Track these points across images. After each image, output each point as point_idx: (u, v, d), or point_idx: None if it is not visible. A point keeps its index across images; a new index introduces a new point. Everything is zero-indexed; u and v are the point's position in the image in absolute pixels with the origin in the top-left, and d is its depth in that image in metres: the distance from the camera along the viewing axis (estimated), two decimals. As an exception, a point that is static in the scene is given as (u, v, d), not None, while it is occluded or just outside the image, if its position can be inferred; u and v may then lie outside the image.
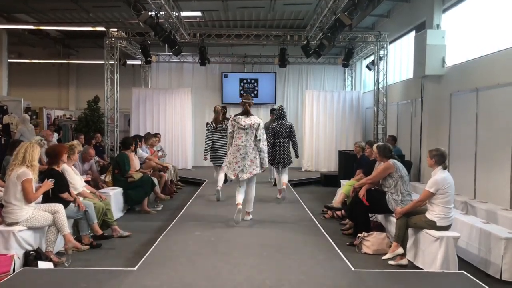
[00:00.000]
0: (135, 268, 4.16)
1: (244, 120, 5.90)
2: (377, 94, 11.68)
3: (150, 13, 8.84)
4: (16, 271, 4.10)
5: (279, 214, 6.71)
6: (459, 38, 8.27)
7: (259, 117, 6.16)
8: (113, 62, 11.75)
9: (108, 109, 11.83)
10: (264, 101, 13.92)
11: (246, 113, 5.98)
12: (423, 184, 7.88)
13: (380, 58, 11.55)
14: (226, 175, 7.78)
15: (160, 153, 9.62)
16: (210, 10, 12.22)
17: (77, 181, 5.72)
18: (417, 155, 9.61)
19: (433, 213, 4.61)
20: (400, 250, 4.78)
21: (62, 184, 5.12)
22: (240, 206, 5.79)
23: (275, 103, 13.68)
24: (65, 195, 5.12)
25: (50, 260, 4.55)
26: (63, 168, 5.42)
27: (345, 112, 13.02)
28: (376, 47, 11.54)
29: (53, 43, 16.68)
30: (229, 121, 6.15)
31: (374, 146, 6.04)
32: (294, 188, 9.34)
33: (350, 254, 4.93)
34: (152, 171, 8.19)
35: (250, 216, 6.22)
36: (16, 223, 4.49)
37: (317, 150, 12.88)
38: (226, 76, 14.18)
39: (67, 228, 4.76)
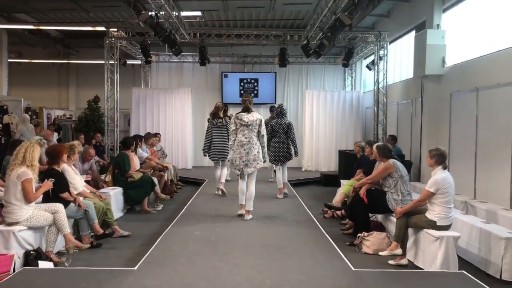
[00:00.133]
0: (135, 268, 4.16)
1: (246, 117, 6.21)
2: (377, 94, 11.68)
3: (150, 13, 8.84)
4: (16, 271, 4.10)
5: (279, 214, 6.72)
6: (459, 38, 8.27)
7: (260, 114, 6.48)
8: (113, 62, 11.75)
9: (108, 109, 11.83)
10: (264, 101, 13.91)
11: (247, 110, 6.28)
12: (423, 184, 7.88)
13: (380, 58, 11.55)
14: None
15: (160, 154, 9.62)
16: (210, 10, 12.21)
17: (77, 181, 5.72)
18: (417, 155, 9.61)
19: (433, 213, 4.61)
20: (399, 251, 4.78)
21: (62, 184, 5.12)
22: (247, 213, 6.23)
23: (275, 103, 13.61)
24: (65, 195, 5.12)
25: (50, 260, 4.56)
26: (63, 168, 5.42)
27: (345, 112, 13.02)
28: (376, 47, 11.54)
29: (53, 43, 16.68)
30: (232, 119, 6.45)
31: (374, 146, 6.04)
32: (294, 188, 9.34)
33: (350, 254, 4.93)
34: (152, 171, 8.19)
35: (250, 216, 6.23)
36: (16, 223, 4.49)
37: (317, 150, 12.88)
38: (226, 76, 14.18)
39: (67, 228, 4.76)
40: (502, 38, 6.77)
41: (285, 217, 6.52)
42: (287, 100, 14.36)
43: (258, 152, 6.22)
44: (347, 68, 14.02)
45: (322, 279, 3.96)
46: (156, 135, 9.80)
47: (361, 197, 5.47)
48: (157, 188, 7.76)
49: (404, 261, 4.78)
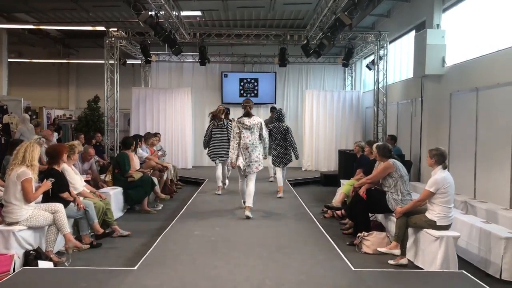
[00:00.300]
0: (135, 268, 4.16)
1: (248, 121, 6.64)
2: (377, 94, 11.68)
3: (150, 13, 8.84)
4: (16, 271, 4.10)
5: (279, 214, 6.72)
6: (459, 38, 8.27)
7: (259, 117, 6.93)
8: (113, 62, 11.75)
9: (108, 109, 11.83)
10: (264, 100, 13.92)
11: (247, 115, 6.70)
12: (423, 183, 7.88)
13: (380, 58, 11.54)
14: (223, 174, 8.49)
15: (160, 153, 9.62)
16: (210, 10, 12.21)
17: (77, 180, 5.72)
18: (417, 155, 9.61)
19: (433, 213, 4.61)
20: (397, 251, 4.77)
21: (62, 183, 5.12)
22: (246, 210, 6.41)
23: (275, 103, 13.72)
24: (65, 195, 5.12)
25: (50, 259, 4.56)
26: (63, 168, 5.42)
27: (345, 112, 13.03)
28: (376, 47, 11.53)
29: (53, 43, 16.67)
30: (234, 123, 6.85)
31: (374, 146, 6.03)
32: (294, 187, 9.34)
33: (350, 253, 4.93)
34: (152, 170, 8.19)
35: (250, 214, 6.32)
36: (16, 223, 4.49)
37: (317, 149, 12.89)
38: (226, 76, 14.18)
39: (67, 228, 4.76)
40: (502, 38, 6.77)
41: (285, 217, 6.52)
42: (287, 100, 14.37)
43: (259, 153, 6.64)
44: (347, 68, 14.02)
45: (322, 279, 3.96)
46: (156, 134, 9.80)
47: (361, 197, 5.47)
48: (157, 188, 7.77)
49: (404, 261, 4.78)
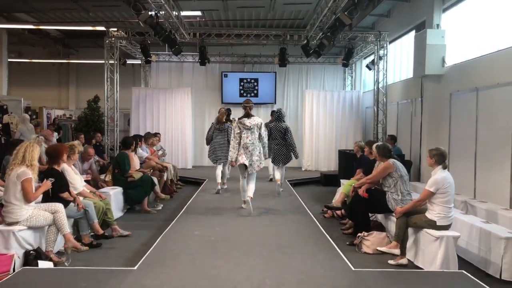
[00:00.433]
0: (135, 268, 4.16)
1: (248, 122, 6.80)
2: (377, 94, 11.68)
3: (150, 13, 8.84)
4: (16, 271, 4.10)
5: (279, 213, 6.72)
6: (459, 38, 8.27)
7: (259, 117, 7.12)
8: (113, 62, 11.75)
9: (108, 109, 11.83)
10: (264, 100, 13.92)
11: (247, 115, 6.85)
12: (423, 183, 7.88)
13: (380, 58, 11.54)
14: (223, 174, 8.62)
15: (160, 153, 9.63)
16: (210, 10, 12.21)
17: (77, 180, 5.72)
18: (417, 155, 9.61)
19: (433, 213, 4.61)
20: (397, 251, 4.77)
21: (62, 183, 5.12)
22: (246, 203, 6.68)
23: (275, 103, 13.73)
24: (65, 195, 5.12)
25: (50, 259, 4.55)
26: (63, 168, 5.42)
27: (345, 112, 13.03)
28: (376, 47, 11.53)
29: (53, 43, 16.67)
30: (235, 123, 7.04)
31: (374, 146, 6.03)
32: (294, 187, 9.34)
33: (350, 253, 4.93)
34: (152, 170, 8.19)
35: (251, 206, 6.50)
36: (16, 223, 4.49)
37: (317, 149, 12.89)
38: (226, 76, 14.18)
39: (67, 228, 4.76)
40: (502, 38, 6.77)
41: (285, 217, 6.53)
42: (287, 100, 14.37)
43: (260, 153, 6.83)
44: (347, 68, 14.02)
45: (322, 279, 3.96)
46: (156, 134, 9.81)
47: (361, 197, 5.47)
48: (157, 188, 7.77)
49: (404, 261, 4.78)
